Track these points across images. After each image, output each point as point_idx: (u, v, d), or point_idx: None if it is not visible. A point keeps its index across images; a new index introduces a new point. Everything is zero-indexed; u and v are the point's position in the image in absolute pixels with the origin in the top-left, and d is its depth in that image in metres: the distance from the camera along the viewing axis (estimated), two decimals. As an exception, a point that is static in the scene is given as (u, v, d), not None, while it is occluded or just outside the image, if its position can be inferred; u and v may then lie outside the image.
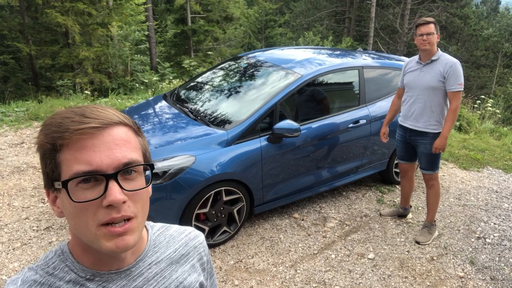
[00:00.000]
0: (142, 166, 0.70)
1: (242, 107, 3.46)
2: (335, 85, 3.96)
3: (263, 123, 3.37)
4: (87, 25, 11.06)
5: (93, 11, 11.18)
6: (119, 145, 0.66)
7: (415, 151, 3.51)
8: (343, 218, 3.81)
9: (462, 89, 3.13)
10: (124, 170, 0.66)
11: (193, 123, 3.35)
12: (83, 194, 0.64)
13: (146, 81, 7.90)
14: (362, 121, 3.80)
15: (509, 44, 20.96)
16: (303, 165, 3.55)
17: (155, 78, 8.01)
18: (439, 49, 3.22)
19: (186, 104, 3.77)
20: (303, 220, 3.72)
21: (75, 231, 0.69)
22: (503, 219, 3.99)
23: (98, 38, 10.91)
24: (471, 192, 4.61)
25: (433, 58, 3.18)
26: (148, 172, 0.73)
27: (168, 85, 7.62)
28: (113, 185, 0.64)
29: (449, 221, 3.87)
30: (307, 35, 17.64)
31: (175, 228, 0.89)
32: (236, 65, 4.21)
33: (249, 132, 3.22)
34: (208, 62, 13.43)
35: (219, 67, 4.37)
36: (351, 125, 3.72)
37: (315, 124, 3.57)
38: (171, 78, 7.76)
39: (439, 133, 3.27)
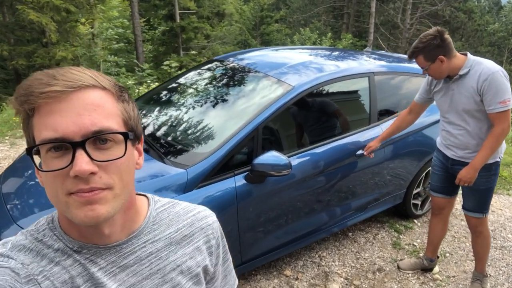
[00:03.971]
0: (121, 135, 0.64)
1: (212, 133, 2.53)
2: (339, 99, 3.04)
3: (241, 154, 2.45)
4: (65, 23, 10.13)
5: (71, 7, 10.21)
6: (89, 110, 0.62)
7: (456, 185, 2.61)
8: (351, 274, 2.88)
9: (509, 107, 2.20)
10: (96, 138, 0.62)
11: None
12: (52, 162, 0.62)
13: (121, 85, 6.92)
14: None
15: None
16: (297, 209, 2.62)
17: (130, 82, 7.05)
18: (469, 55, 2.29)
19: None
20: (297, 279, 2.79)
21: (50, 200, 0.65)
22: (557, 269, 3.08)
23: (78, 37, 9.97)
24: (506, 226, 3.70)
25: (461, 72, 2.27)
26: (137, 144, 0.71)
27: (146, 90, 6.69)
28: (80, 155, 0.60)
29: (488, 275, 2.95)
30: (303, 32, 16.60)
31: (183, 205, 0.83)
32: (210, 72, 3.27)
33: (219, 170, 2.30)
34: (197, 62, 12.48)
35: (188, 74, 3.41)
36: (360, 151, 2.79)
37: (316, 152, 2.65)
38: (149, 81, 6.81)
39: (495, 163, 2.38)
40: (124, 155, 0.65)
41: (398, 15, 20.93)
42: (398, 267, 2.94)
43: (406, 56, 4.27)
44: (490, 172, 2.40)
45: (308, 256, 3.04)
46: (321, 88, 2.80)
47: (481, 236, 2.60)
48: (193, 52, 9.72)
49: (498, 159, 2.40)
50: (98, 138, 0.62)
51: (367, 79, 2.99)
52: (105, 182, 0.62)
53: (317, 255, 3.05)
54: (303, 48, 3.79)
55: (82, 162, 0.60)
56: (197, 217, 0.82)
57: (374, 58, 3.45)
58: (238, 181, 2.34)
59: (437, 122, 3.41)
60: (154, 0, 14.86)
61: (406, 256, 3.10)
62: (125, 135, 0.65)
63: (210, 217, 0.84)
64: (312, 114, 3.34)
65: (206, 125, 2.61)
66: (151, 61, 14.66)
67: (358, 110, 3.11)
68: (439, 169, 2.62)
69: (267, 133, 2.62)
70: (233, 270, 0.93)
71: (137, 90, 6.78)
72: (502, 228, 3.67)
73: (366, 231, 3.40)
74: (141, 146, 0.74)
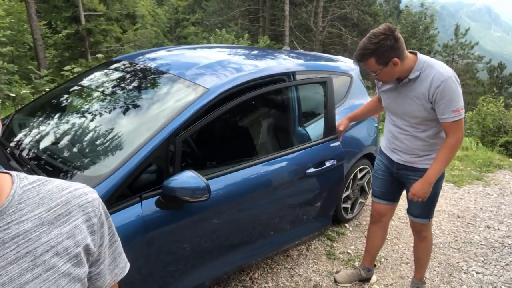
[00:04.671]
0: None
1: (108, 149, 2.04)
2: (264, 104, 2.72)
3: (147, 173, 2.01)
4: None
5: None
6: None
7: (401, 189, 2.43)
8: (286, 296, 2.58)
9: (463, 116, 2.04)
10: None
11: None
12: None
13: (14, 95, 5.95)
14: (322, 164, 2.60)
15: (416, 40, 21.84)
16: (224, 240, 2.23)
17: (25, 91, 6.09)
18: (419, 56, 2.07)
19: (16, 143, 2.23)
20: (226, 311, 2.42)
21: None
22: (483, 262, 3.09)
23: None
24: (433, 222, 3.70)
25: (412, 76, 2.06)
26: None
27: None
28: None
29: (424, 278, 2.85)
30: (219, 33, 16.27)
31: (56, 183, 0.77)
32: (108, 74, 2.75)
33: (120, 195, 1.83)
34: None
35: (80, 79, 2.84)
36: (311, 169, 2.52)
37: (246, 171, 2.25)
38: (47, 89, 5.95)
39: None
40: None
41: (311, 18, 21.65)
42: (335, 281, 2.71)
43: (322, 54, 4.16)
44: None
45: (239, 280, 2.67)
46: (240, 91, 2.45)
47: (425, 241, 2.46)
48: (100, 55, 8.81)
49: None
50: None
51: (289, 78, 2.72)
52: None
53: (248, 278, 2.70)
54: (219, 47, 3.41)
55: None
56: (73, 195, 0.77)
57: (293, 57, 3.20)
58: (146, 208, 1.89)
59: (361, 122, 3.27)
60: (55, 1, 13.45)
61: (342, 267, 2.89)
62: None
63: (90, 194, 0.80)
64: (238, 123, 2.99)
65: (102, 140, 2.11)
66: (55, 67, 13.25)
67: (284, 117, 2.82)
68: (382, 173, 2.43)
69: (183, 147, 2.20)
70: (124, 254, 0.89)
71: (33, 99, 5.87)
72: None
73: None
74: None
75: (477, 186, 4.64)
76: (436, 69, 2.01)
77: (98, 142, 2.09)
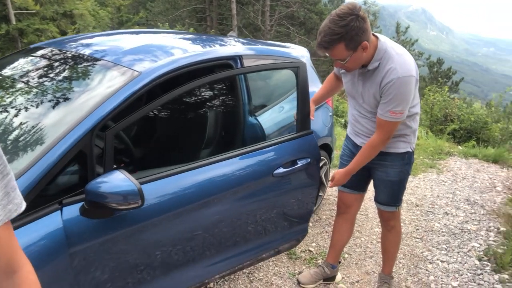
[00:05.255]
0: None
1: (18, 148, 1.65)
2: (213, 92, 2.42)
3: (68, 174, 1.65)
4: None
5: None
6: None
7: (368, 177, 2.25)
8: (245, 306, 2.30)
9: (398, 120, 1.89)
10: None
11: None
12: None
13: None
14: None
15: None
16: (170, 255, 1.86)
17: None
18: (380, 42, 1.86)
19: None
20: (177, 331, 2.09)
21: None
22: (446, 250, 2.99)
23: None
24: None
25: (371, 67, 1.88)
26: None
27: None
28: None
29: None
30: (161, 27, 15.61)
31: None
32: (23, 62, 2.31)
33: (32, 202, 1.46)
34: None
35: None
36: (279, 170, 2.15)
37: (195, 172, 1.89)
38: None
39: (406, 152, 2.09)
40: None
41: (258, 17, 21.57)
42: (298, 283, 2.47)
43: (271, 42, 3.93)
44: (403, 161, 2.10)
45: None
46: (181, 76, 2.13)
47: (393, 231, 2.30)
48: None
49: (410, 149, 2.11)
50: None
51: (236, 63, 2.44)
52: None
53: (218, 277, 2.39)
54: (158, 32, 3.06)
55: None
56: None
57: (241, 43, 2.93)
58: (68, 216, 1.53)
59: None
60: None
61: (304, 267, 2.66)
62: None
63: None
64: (182, 115, 2.66)
65: (11, 138, 1.71)
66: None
67: (233, 107, 2.54)
68: (348, 159, 2.23)
69: (117, 140, 1.85)
70: (18, 190, 0.78)
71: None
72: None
73: (257, 245, 2.87)
74: None
75: (431, 174, 4.64)
76: (394, 64, 1.83)
77: (7, 141, 1.69)
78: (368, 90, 1.94)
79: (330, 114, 3.36)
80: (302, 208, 2.38)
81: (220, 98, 2.59)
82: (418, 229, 3.28)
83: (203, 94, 2.48)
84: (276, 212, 2.25)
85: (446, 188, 4.20)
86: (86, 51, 2.17)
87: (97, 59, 2.07)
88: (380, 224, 2.42)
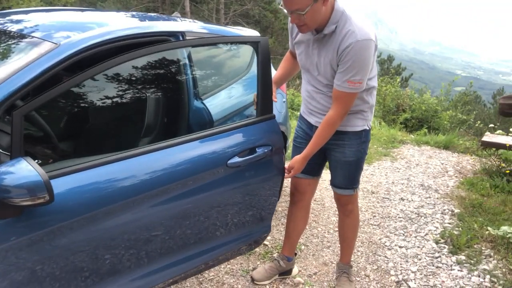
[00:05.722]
0: None
1: None
2: (149, 69, 2.16)
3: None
4: None
5: None
6: None
7: (323, 160, 2.10)
8: (193, 309, 2.07)
9: (356, 91, 1.76)
10: None
11: None
12: None
13: None
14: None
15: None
16: (99, 262, 1.56)
17: None
18: (336, 7, 1.71)
19: None
20: None
21: None
22: (404, 235, 2.92)
23: None
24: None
25: (326, 31, 1.72)
26: None
27: None
28: None
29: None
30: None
31: None
32: None
33: None
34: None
35: None
36: (234, 159, 1.85)
37: (128, 162, 1.60)
38: None
39: (363, 131, 1.95)
40: None
41: (212, 15, 21.28)
42: (252, 280, 2.28)
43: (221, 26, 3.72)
44: (360, 139, 1.96)
45: None
46: (112, 51, 1.87)
47: (351, 215, 2.17)
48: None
49: (367, 127, 1.98)
50: None
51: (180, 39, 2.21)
52: None
53: (144, 294, 2.13)
54: (95, 10, 2.75)
55: None
56: None
57: (188, 21, 2.69)
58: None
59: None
60: None
61: (259, 263, 2.47)
62: None
63: None
64: (114, 96, 2.37)
65: None
66: None
67: (176, 89, 2.30)
68: (302, 141, 2.07)
69: (22, 126, 1.57)
70: None
71: None
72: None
73: (207, 242, 2.65)
74: None
75: (385, 162, 4.63)
76: (353, 26, 1.68)
77: None
78: (324, 58, 1.77)
79: (284, 100, 3.20)
80: (263, 203, 2.10)
81: (161, 78, 2.33)
82: (375, 216, 3.20)
83: (140, 73, 2.22)
84: (233, 209, 1.98)
85: (401, 175, 4.19)
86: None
87: (7, 32, 1.77)
88: (337, 211, 2.28)
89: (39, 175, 1.21)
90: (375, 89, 1.95)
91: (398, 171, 4.31)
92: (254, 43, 1.98)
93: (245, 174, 1.95)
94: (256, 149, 1.93)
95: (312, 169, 2.10)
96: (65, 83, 1.46)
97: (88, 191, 1.49)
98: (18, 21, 1.98)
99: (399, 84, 8.20)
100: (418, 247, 2.75)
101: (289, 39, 2.02)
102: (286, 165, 2.00)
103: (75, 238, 1.46)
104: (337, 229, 2.90)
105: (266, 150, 1.94)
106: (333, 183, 2.11)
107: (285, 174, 2.00)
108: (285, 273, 2.33)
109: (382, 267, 2.51)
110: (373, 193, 3.69)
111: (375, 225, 3.06)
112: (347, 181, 2.05)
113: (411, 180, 4.03)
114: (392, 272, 2.45)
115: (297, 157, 1.94)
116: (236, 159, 1.86)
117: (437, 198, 3.58)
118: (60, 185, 1.39)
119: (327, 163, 2.13)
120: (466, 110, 6.80)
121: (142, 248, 1.69)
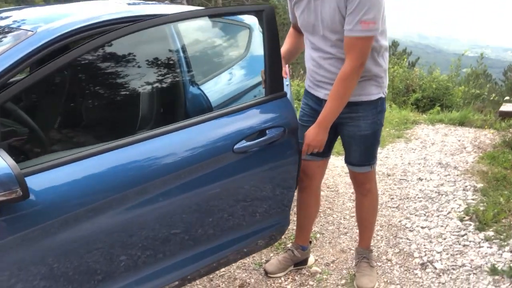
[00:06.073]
0: None
1: None
2: (139, 54, 2.02)
3: None
4: None
5: None
6: None
7: (333, 137, 1.92)
8: (204, 307, 1.94)
9: (371, 34, 1.58)
10: None
11: None
12: None
13: None
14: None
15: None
16: (92, 269, 1.41)
17: None
18: None
19: None
20: None
21: None
22: (425, 215, 2.74)
23: None
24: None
25: None
26: None
27: None
28: None
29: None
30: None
31: None
32: None
33: None
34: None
35: None
36: (241, 143, 1.64)
37: (121, 152, 1.44)
38: None
39: (379, 99, 1.78)
40: None
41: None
42: (266, 273, 2.13)
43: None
44: (376, 109, 1.80)
45: None
46: (93, 37, 1.73)
47: (369, 195, 2.00)
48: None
49: (382, 95, 1.81)
50: None
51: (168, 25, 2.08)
52: None
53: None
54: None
55: None
56: None
57: (180, 6, 2.55)
58: None
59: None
60: None
61: (272, 254, 2.32)
62: None
63: None
64: (105, 87, 2.24)
65: None
66: None
67: (168, 76, 2.17)
68: (309, 119, 1.88)
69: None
70: None
71: None
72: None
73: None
74: None
75: (399, 144, 4.43)
76: None
77: None
78: (329, 5, 1.59)
79: (287, 83, 3.05)
80: (278, 193, 1.89)
81: (152, 66, 2.20)
82: (393, 198, 3.02)
83: (128, 60, 2.08)
84: (245, 200, 1.78)
85: (417, 155, 4.00)
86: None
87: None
88: (352, 197, 2.12)
89: (10, 167, 1.08)
90: (387, 51, 1.78)
91: (414, 152, 4.12)
92: (258, 12, 1.73)
93: (256, 160, 1.74)
94: (267, 131, 1.71)
95: (323, 150, 1.93)
96: (38, 70, 1.33)
97: (79, 185, 1.35)
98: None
99: (407, 67, 7.97)
100: (442, 226, 2.57)
101: (288, 7, 1.87)
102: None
103: (66, 237, 1.33)
104: (353, 214, 2.75)
105: (278, 132, 1.72)
106: (348, 161, 1.95)
107: (309, 150, 1.79)
108: (300, 263, 2.18)
109: (405, 249, 2.34)
110: (389, 175, 3.51)
111: (393, 207, 2.88)
112: (363, 157, 1.88)
113: (428, 160, 3.84)
114: (415, 254, 2.28)
115: (311, 128, 1.75)
116: (244, 143, 1.64)
117: (457, 175, 3.39)
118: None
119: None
120: (479, 84, 6.54)
121: (138, 250, 1.53)
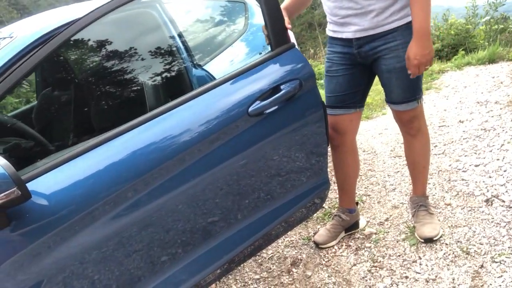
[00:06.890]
0: None
1: None
2: (129, 42, 1.92)
3: None
4: None
5: None
6: None
7: (368, 83, 1.76)
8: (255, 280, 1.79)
9: None
10: None
11: None
12: None
13: None
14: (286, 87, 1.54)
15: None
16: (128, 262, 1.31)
17: None
18: None
19: None
20: None
21: None
22: (476, 153, 2.49)
23: None
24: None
25: None
26: None
27: None
28: None
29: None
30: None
31: None
32: None
33: None
34: None
35: None
36: (256, 104, 1.49)
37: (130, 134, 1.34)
38: None
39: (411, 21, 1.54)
40: None
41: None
42: (316, 245, 1.96)
43: None
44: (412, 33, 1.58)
45: (190, 301, 1.84)
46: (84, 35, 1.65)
47: (419, 135, 1.78)
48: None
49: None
50: None
51: (155, 8, 1.97)
52: None
53: (205, 284, 1.88)
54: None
55: None
56: None
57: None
58: None
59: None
60: None
61: (319, 227, 2.15)
62: None
63: None
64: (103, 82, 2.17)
65: None
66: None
67: (167, 62, 2.06)
68: (338, 69, 1.71)
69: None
70: None
71: None
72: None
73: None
74: None
75: (429, 95, 4.15)
76: None
77: None
78: None
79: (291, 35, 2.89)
80: (308, 153, 1.71)
81: (150, 56, 2.09)
82: (436, 146, 2.78)
83: (126, 53, 1.98)
84: (272, 168, 1.62)
85: (451, 101, 3.72)
86: None
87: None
88: (392, 153, 1.91)
89: (3, 167, 0.98)
90: None
91: (447, 99, 3.84)
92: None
93: (278, 122, 1.58)
94: (281, 87, 1.56)
95: (352, 101, 1.75)
96: (21, 67, 1.23)
97: (97, 176, 1.25)
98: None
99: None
100: (498, 159, 2.32)
101: None
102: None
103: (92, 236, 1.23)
104: (397, 170, 2.55)
105: (293, 85, 1.56)
106: (390, 100, 1.72)
107: (411, 74, 1.55)
108: (351, 227, 1.99)
109: (463, 190, 2.11)
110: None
111: (439, 154, 2.64)
112: (407, 92, 1.65)
113: (464, 102, 3.55)
114: (476, 192, 2.05)
115: (411, 46, 1.49)
116: (258, 104, 1.50)
117: (501, 109, 3.10)
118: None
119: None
120: (501, 18, 6.10)
121: (178, 234, 1.42)
